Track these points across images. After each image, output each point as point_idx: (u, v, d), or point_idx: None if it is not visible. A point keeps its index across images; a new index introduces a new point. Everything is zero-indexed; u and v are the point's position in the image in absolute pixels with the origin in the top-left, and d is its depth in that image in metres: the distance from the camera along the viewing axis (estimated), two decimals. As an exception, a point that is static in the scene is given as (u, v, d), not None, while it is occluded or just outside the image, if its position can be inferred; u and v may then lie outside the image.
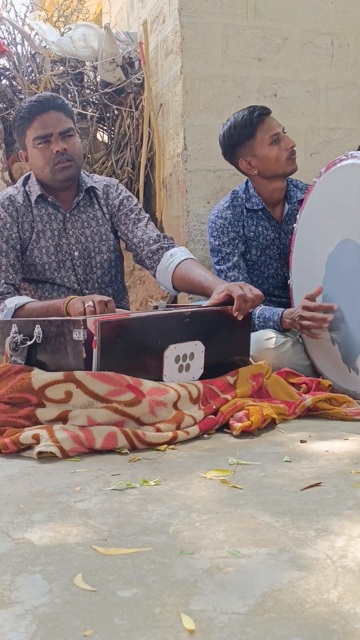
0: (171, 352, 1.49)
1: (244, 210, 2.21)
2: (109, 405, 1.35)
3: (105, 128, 3.45)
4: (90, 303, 1.59)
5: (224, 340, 1.62)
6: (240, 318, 1.61)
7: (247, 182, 2.26)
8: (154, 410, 1.38)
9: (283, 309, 1.99)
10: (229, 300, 1.64)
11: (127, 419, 1.36)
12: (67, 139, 1.90)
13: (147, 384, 1.40)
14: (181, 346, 1.51)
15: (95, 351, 1.38)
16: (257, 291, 1.64)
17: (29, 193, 1.96)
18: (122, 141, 3.30)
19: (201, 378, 1.56)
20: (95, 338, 1.38)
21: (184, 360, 1.52)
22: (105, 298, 1.60)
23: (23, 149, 1.94)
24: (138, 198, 3.13)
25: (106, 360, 1.38)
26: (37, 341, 1.45)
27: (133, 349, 1.43)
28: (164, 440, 1.35)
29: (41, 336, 1.44)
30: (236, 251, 2.16)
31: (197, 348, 1.54)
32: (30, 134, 1.89)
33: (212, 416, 1.47)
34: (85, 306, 1.60)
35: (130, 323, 1.43)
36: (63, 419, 1.35)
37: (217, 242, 2.18)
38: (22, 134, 1.91)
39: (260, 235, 2.21)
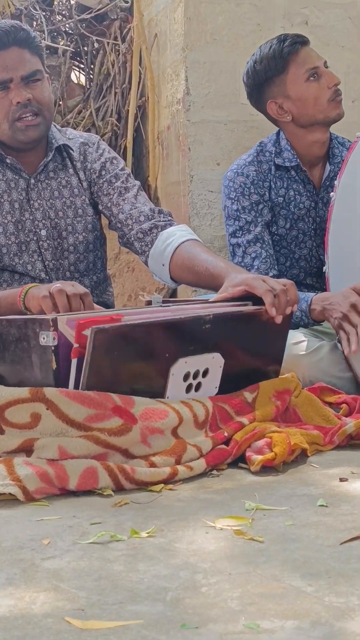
0: (180, 368, 1.49)
1: (272, 167, 2.19)
2: (89, 434, 1.35)
3: (82, 66, 3.46)
4: (58, 285, 1.56)
5: (252, 351, 1.61)
6: (278, 320, 1.60)
7: (278, 133, 2.24)
8: (148, 439, 1.38)
9: (313, 293, 1.98)
10: (245, 294, 1.64)
11: (112, 451, 1.36)
12: (33, 84, 1.91)
13: (140, 405, 1.40)
14: (194, 360, 1.50)
15: (75, 362, 1.38)
16: (287, 281, 1.64)
17: (-17, 152, 1.96)
18: (104, 84, 3.30)
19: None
20: (76, 345, 1.38)
21: (195, 377, 1.52)
22: (81, 289, 1.59)
23: None
24: (125, 159, 3.13)
25: (98, 377, 1.38)
26: (-8, 347, 1.45)
27: (131, 365, 1.43)
28: (160, 478, 1.35)
29: (-3, 340, 1.45)
30: (259, 220, 2.14)
31: (214, 362, 1.54)
32: None
33: (224, 446, 1.47)
34: (52, 290, 1.56)
35: (132, 331, 1.42)
36: (27, 449, 1.35)
37: (234, 207, 2.16)
38: None
39: (292, 202, 2.18)
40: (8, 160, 1.95)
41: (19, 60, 1.88)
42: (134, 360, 1.43)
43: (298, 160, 2.18)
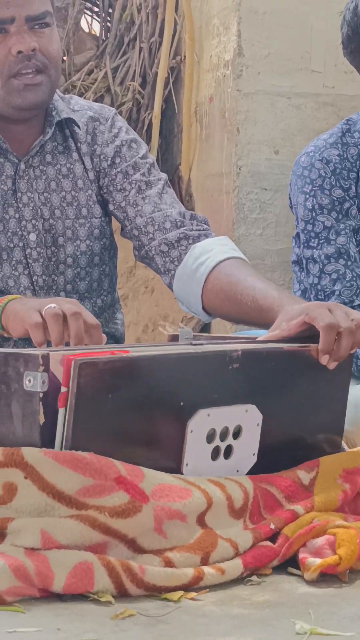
0: (201, 423, 1.50)
1: None
2: (83, 513, 1.35)
3: (96, 10, 3.53)
4: (53, 307, 1.59)
5: (300, 404, 1.63)
6: (331, 366, 1.63)
7: None
8: (164, 526, 1.39)
9: None
10: (308, 332, 1.66)
11: (114, 539, 1.36)
12: (40, 30, 1.95)
13: (152, 478, 1.41)
14: (220, 413, 1.51)
15: (62, 413, 1.40)
16: None
17: None
18: (125, 35, 3.37)
19: (252, 472, 1.57)
20: (65, 390, 1.39)
21: (224, 438, 1.53)
22: (88, 316, 1.61)
23: None
24: (149, 140, 3.19)
25: (84, 432, 1.39)
26: None
27: (132, 414, 1.44)
28: (179, 582, 1.36)
29: (-35, 381, 1.47)
30: (344, 225, 2.16)
31: (248, 418, 1.55)
32: None
33: (268, 543, 1.47)
34: (45, 312, 1.59)
35: (132, 366, 1.44)
36: (-3, 533, 1.36)
37: (309, 205, 2.17)
38: None
39: None
40: (-7, 136, 1.98)
41: None
42: (137, 408, 1.44)
43: None
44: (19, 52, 1.91)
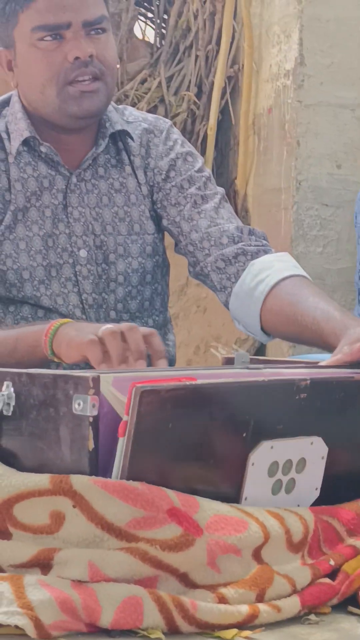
0: (264, 456, 1.49)
1: None
2: (133, 546, 1.35)
3: (151, 16, 3.56)
4: (110, 326, 1.61)
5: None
6: None
7: None
8: (217, 560, 1.39)
9: None
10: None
11: (165, 572, 1.36)
12: (96, 36, 1.96)
13: (207, 508, 1.40)
14: (285, 445, 1.51)
15: (122, 443, 1.40)
16: None
17: (4, 135, 2.02)
18: (181, 43, 3.39)
19: (314, 504, 1.56)
20: (125, 418, 1.39)
21: (286, 472, 1.52)
22: (145, 329, 1.63)
23: (6, 46, 2.00)
24: (205, 153, 3.20)
25: (141, 462, 1.39)
26: (5, 412, 1.48)
27: (192, 445, 1.44)
28: (233, 619, 1.35)
29: (13, 403, 1.48)
30: None
31: (313, 451, 1.54)
32: (28, 18, 1.94)
33: (328, 580, 1.46)
34: (101, 333, 1.60)
35: (195, 395, 1.43)
36: (43, 563, 1.36)
37: None
38: (11, 16, 1.96)
39: None
40: (43, 149, 2.00)
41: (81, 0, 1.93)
42: (197, 438, 1.44)
43: None
44: (76, 58, 1.92)
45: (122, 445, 1.40)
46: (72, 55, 1.92)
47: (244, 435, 1.47)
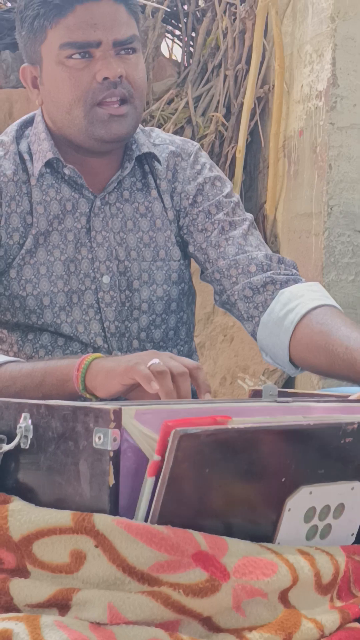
0: (302, 502, 1.48)
1: None
2: (155, 590, 1.35)
3: (178, 34, 3.58)
4: (158, 362, 1.59)
5: None
6: None
7: None
8: (243, 604, 1.38)
9: None
10: None
11: (188, 617, 1.35)
12: (126, 56, 1.96)
13: (236, 552, 1.40)
14: (324, 491, 1.50)
15: (151, 483, 1.39)
16: None
17: (26, 156, 2.03)
18: (209, 62, 3.41)
19: (347, 546, 1.55)
20: (158, 458, 1.38)
21: (323, 517, 1.51)
22: (189, 363, 1.62)
23: (32, 62, 2.00)
24: (233, 176, 3.20)
25: (173, 506, 1.39)
26: (22, 445, 1.48)
27: (227, 490, 1.43)
28: (258, 665, 1.35)
29: (30, 435, 1.48)
30: None
31: (353, 495, 1.53)
32: (57, 35, 1.94)
33: (357, 624, 1.46)
34: (150, 368, 1.58)
35: (235, 439, 1.42)
36: (62, 604, 1.36)
37: None
38: (39, 32, 1.96)
39: None
40: (67, 171, 2.01)
41: (113, 17, 1.93)
42: (234, 483, 1.43)
43: None
44: (105, 78, 1.92)
45: (150, 485, 1.40)
46: (101, 75, 1.92)
47: (283, 480, 1.47)
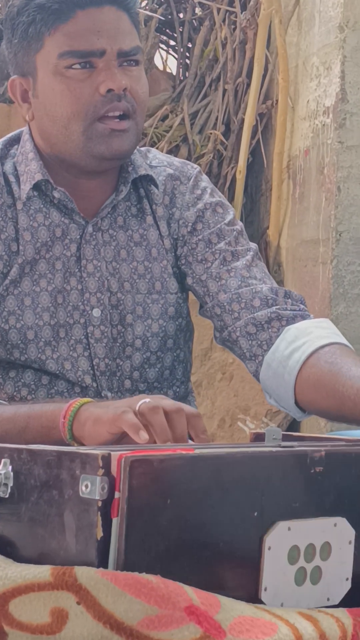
0: (281, 539, 1.49)
1: None
2: (144, 648, 1.34)
3: (173, 44, 3.59)
4: (148, 401, 1.60)
5: None
6: None
7: None
8: (241, 667, 1.39)
9: None
10: None
11: None
12: (129, 68, 1.97)
13: (230, 609, 1.40)
14: (303, 526, 1.51)
15: (116, 523, 1.39)
16: None
17: (12, 177, 2.04)
18: (207, 74, 3.42)
19: (347, 600, 1.55)
20: (117, 495, 1.38)
21: (309, 558, 1.51)
22: (187, 408, 1.62)
23: (23, 74, 2.00)
24: (233, 199, 3.20)
25: (137, 546, 1.39)
26: (1, 494, 1.48)
27: (196, 525, 1.43)
28: None
29: (10, 483, 1.48)
30: None
31: (338, 533, 1.54)
32: (55, 42, 1.94)
33: None
34: (140, 407, 1.59)
35: (193, 466, 1.44)
36: (42, 669, 1.36)
37: None
38: (35, 40, 1.96)
39: None
40: (56, 194, 2.01)
41: (116, 26, 1.95)
42: (201, 517, 1.43)
43: None
44: (109, 90, 1.93)
45: (116, 527, 1.39)
46: (104, 87, 1.93)
47: (255, 514, 1.47)
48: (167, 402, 1.63)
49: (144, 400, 1.62)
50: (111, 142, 1.95)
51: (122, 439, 1.65)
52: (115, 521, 1.39)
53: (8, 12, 2.01)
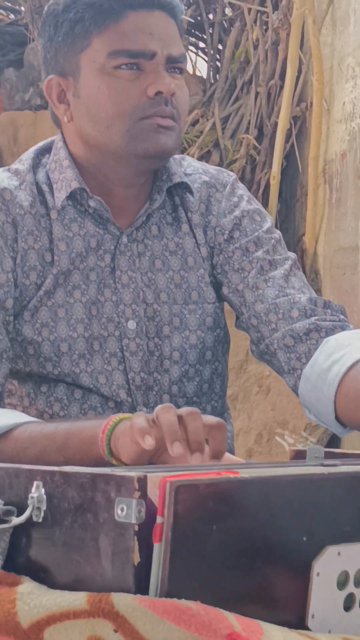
0: (330, 564, 1.48)
1: None
2: None
3: (203, 47, 3.59)
4: (165, 405, 1.59)
5: None
6: None
7: None
8: None
9: None
10: None
11: None
12: (176, 75, 1.98)
13: (272, 635, 1.38)
14: (354, 550, 1.50)
15: (158, 549, 1.39)
16: None
17: (45, 187, 2.04)
18: (238, 77, 3.41)
19: None
20: (160, 520, 1.39)
21: (358, 583, 1.50)
22: (210, 419, 1.60)
23: (62, 74, 2.00)
24: (267, 205, 3.20)
25: (182, 573, 1.38)
26: (35, 518, 1.48)
27: (242, 551, 1.42)
28: None
29: (44, 507, 1.47)
30: None
31: None
32: (105, 41, 1.95)
33: None
34: (155, 410, 1.57)
35: (240, 490, 1.43)
36: None
37: None
38: (81, 38, 1.96)
39: None
40: (92, 203, 2.00)
41: (167, 31, 1.96)
42: (247, 542, 1.42)
43: None
44: (157, 93, 1.93)
45: (158, 552, 1.38)
46: (153, 89, 1.93)
47: (304, 539, 1.46)
48: (183, 408, 1.61)
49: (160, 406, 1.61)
50: (157, 138, 1.95)
51: (160, 455, 1.63)
52: (157, 547, 1.38)
53: (51, 10, 2.02)
